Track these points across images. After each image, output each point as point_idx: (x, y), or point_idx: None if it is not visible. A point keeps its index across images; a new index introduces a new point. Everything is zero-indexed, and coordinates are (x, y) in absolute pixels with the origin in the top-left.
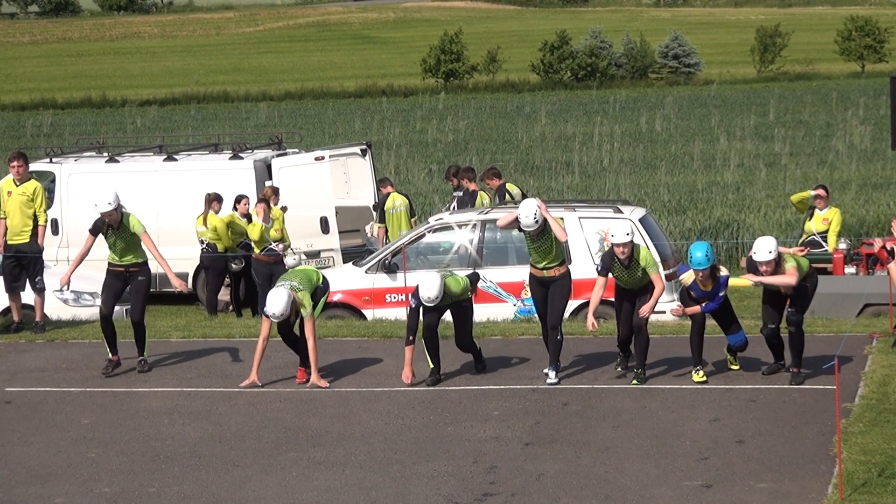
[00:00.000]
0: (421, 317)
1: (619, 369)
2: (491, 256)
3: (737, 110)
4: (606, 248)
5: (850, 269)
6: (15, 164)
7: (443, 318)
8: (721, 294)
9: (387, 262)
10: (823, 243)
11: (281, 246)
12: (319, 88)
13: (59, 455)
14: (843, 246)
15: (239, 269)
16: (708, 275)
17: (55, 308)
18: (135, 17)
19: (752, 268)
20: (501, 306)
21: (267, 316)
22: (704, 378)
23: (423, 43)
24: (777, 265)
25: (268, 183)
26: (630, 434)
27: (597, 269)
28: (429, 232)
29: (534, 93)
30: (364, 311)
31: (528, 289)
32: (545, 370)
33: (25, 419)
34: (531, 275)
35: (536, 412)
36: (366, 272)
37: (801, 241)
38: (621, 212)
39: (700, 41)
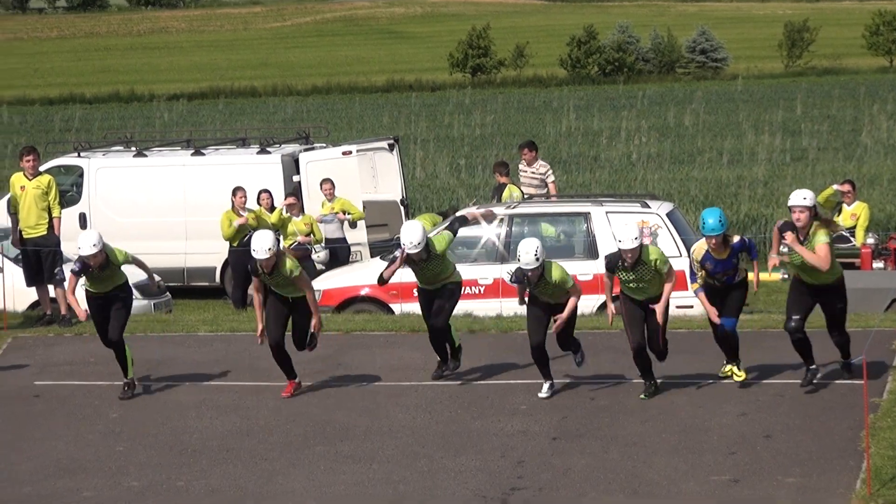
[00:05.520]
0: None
1: (644, 397)
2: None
3: (764, 105)
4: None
5: (878, 264)
6: (30, 158)
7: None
8: (750, 243)
9: None
10: (851, 238)
11: (310, 238)
12: (347, 83)
13: (88, 449)
14: (871, 241)
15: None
16: (721, 241)
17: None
18: (162, 11)
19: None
20: None
21: (253, 274)
22: (743, 376)
23: (451, 38)
24: (812, 220)
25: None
26: (657, 429)
27: (605, 270)
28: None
29: (561, 87)
30: (391, 306)
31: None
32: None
33: (54, 413)
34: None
35: (564, 407)
36: None
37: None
38: (649, 206)
39: (727, 36)
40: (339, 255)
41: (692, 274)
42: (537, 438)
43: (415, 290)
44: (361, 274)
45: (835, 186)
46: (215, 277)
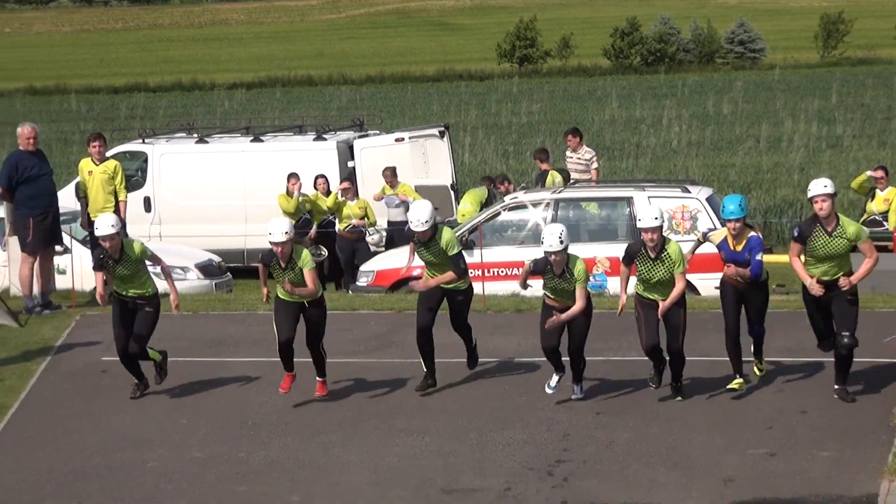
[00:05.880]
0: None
1: (654, 386)
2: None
3: (800, 94)
4: (676, 227)
5: None
6: (96, 144)
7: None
8: (758, 258)
9: (464, 238)
10: (884, 222)
11: (364, 222)
12: (399, 73)
13: (152, 421)
14: None
15: (320, 261)
16: (741, 227)
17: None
18: (222, 4)
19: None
20: None
21: (268, 258)
22: (740, 385)
23: (499, 29)
24: (834, 209)
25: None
26: (697, 405)
27: (622, 260)
28: (504, 210)
29: (604, 77)
30: None
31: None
32: (572, 384)
33: (120, 388)
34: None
35: (607, 382)
36: None
37: (861, 220)
38: (689, 191)
39: (765, 27)
40: (398, 237)
41: (704, 234)
42: (582, 413)
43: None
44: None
45: (868, 172)
46: None
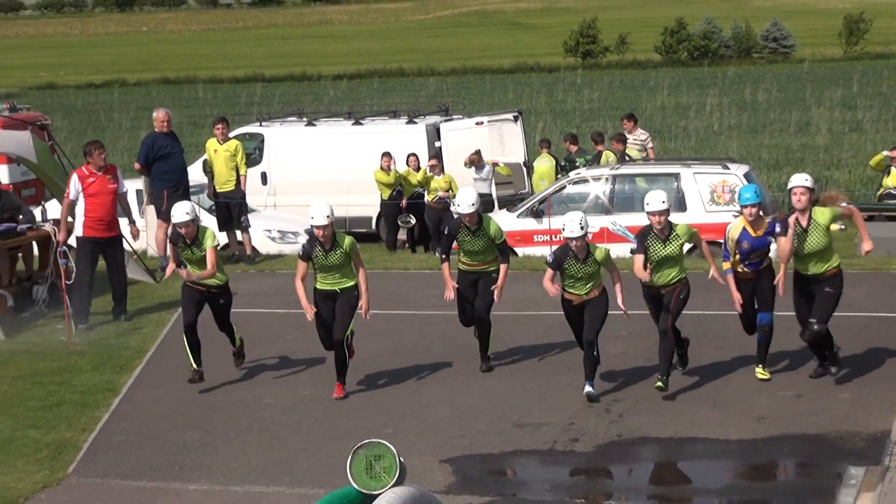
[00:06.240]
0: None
1: (680, 369)
2: (621, 204)
3: (826, 84)
4: (717, 199)
5: None
6: (220, 126)
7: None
8: (772, 234)
9: (534, 208)
10: None
11: (449, 194)
12: (479, 66)
13: (267, 365)
14: None
15: (409, 227)
16: (757, 213)
17: (264, 244)
18: (328, 6)
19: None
20: (628, 246)
21: (308, 245)
22: (767, 375)
23: (565, 28)
24: (811, 203)
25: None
26: (733, 353)
27: (631, 250)
28: (569, 184)
29: (656, 69)
30: (516, 249)
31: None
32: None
33: (240, 335)
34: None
35: (657, 333)
36: (517, 217)
37: (878, 194)
38: (728, 168)
39: (795, 26)
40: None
41: (725, 252)
42: (635, 359)
43: (460, 265)
44: None
45: (885, 152)
46: (371, 225)
